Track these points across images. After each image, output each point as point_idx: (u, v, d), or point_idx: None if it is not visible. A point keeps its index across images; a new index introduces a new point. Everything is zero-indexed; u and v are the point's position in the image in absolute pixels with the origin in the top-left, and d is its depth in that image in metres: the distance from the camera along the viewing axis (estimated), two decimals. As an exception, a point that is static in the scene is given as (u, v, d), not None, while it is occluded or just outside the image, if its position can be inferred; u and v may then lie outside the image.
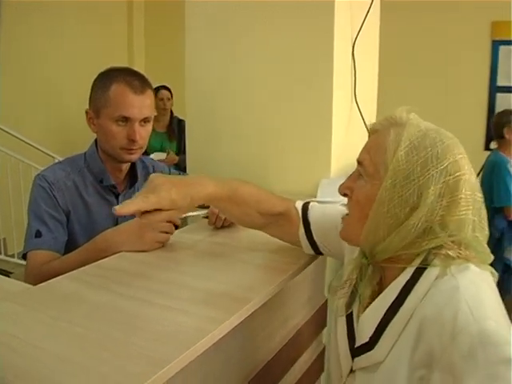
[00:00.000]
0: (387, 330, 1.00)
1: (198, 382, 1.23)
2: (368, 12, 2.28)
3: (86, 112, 1.79)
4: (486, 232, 1.05)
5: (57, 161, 4.18)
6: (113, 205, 1.83)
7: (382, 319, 1.02)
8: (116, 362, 0.90)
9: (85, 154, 1.85)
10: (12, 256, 4.67)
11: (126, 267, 1.37)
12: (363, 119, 2.33)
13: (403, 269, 1.02)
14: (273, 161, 2.30)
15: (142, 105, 1.71)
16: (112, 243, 1.50)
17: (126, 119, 1.70)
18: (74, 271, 1.34)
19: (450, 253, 0.99)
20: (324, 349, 2.18)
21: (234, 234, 1.71)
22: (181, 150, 4.81)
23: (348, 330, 1.13)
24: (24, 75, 5.08)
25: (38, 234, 1.66)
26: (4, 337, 0.98)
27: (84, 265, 1.39)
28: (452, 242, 1.00)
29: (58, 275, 1.31)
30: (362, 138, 2.30)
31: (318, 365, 2.15)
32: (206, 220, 1.77)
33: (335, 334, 1.20)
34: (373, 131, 1.11)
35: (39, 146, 4.69)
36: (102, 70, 1.78)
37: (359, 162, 1.11)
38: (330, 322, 1.18)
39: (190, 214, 1.74)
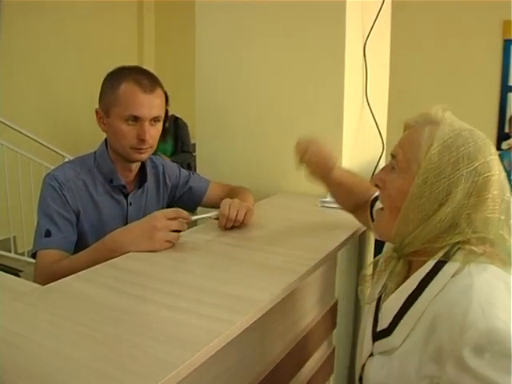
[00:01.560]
0: (404, 318, 1.05)
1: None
2: (379, 12, 2.28)
3: (96, 111, 1.78)
4: None
5: (67, 160, 4.18)
6: (122, 205, 1.84)
7: (400, 308, 1.06)
8: (123, 364, 0.90)
9: (95, 153, 1.85)
10: (22, 254, 4.67)
11: (136, 267, 1.36)
12: (374, 119, 2.33)
13: (426, 262, 1.05)
14: (284, 160, 2.29)
15: (151, 104, 1.70)
16: (121, 243, 1.49)
17: (135, 118, 1.69)
18: (83, 271, 1.33)
19: (473, 248, 1.01)
20: (334, 350, 2.18)
21: (245, 235, 1.70)
22: (177, 149, 4.71)
23: (374, 317, 1.19)
24: (34, 75, 5.10)
25: (48, 234, 1.65)
26: (11, 336, 0.98)
27: (93, 265, 1.38)
28: (476, 238, 1.02)
29: (68, 275, 1.31)
30: (374, 137, 2.32)
31: (329, 366, 2.15)
32: (215, 221, 1.76)
33: (365, 321, 1.25)
34: (407, 127, 1.14)
35: (49, 144, 4.69)
36: (112, 69, 1.78)
37: (393, 156, 1.14)
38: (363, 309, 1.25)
39: (200, 216, 1.73)
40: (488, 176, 1.02)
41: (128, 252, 1.46)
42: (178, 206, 2.04)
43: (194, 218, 1.67)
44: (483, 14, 4.66)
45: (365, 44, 2.27)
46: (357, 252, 2.41)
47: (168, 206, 2.03)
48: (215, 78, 2.45)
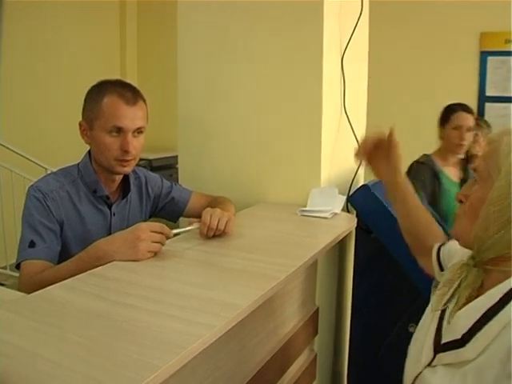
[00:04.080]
0: (482, 330, 1.02)
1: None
2: (356, 25, 2.33)
3: (80, 124, 1.81)
4: None
5: (49, 172, 4.17)
6: (106, 215, 1.86)
7: (479, 319, 1.03)
8: (109, 367, 0.93)
9: (78, 164, 1.87)
10: (4, 268, 4.64)
11: (119, 276, 1.39)
12: (352, 129, 2.37)
13: (506, 275, 1.05)
14: (264, 171, 2.34)
15: (134, 115, 1.74)
16: (105, 252, 1.52)
17: (119, 130, 1.73)
18: (68, 280, 1.36)
19: None
20: (316, 356, 2.21)
21: (225, 243, 1.73)
22: None
23: (437, 327, 1.17)
24: (11, 82, 4.99)
25: (32, 244, 1.67)
26: (2, 345, 1.00)
27: (77, 273, 1.41)
28: None
29: (52, 284, 1.33)
30: (352, 146, 2.36)
31: (311, 372, 2.18)
32: (197, 230, 1.79)
33: (425, 329, 1.23)
34: (489, 142, 1.16)
35: (29, 155, 4.63)
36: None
37: (475, 170, 1.16)
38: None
39: (182, 229, 1.76)
40: None
41: (112, 261, 1.49)
42: (160, 216, 2.09)
43: (176, 231, 1.70)
44: (461, 26, 4.75)
45: (342, 56, 2.32)
46: (337, 260, 2.45)
47: (151, 216, 2.06)
48: (196, 91, 2.49)
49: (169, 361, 0.92)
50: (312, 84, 2.20)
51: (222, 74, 2.41)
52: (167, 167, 5.45)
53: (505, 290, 1.02)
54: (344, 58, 2.33)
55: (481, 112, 4.83)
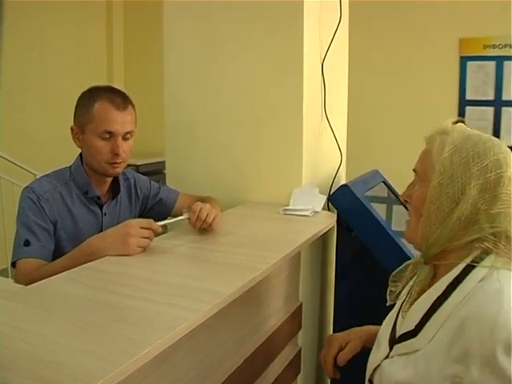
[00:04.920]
0: (431, 320, 1.10)
1: (172, 382, 1.35)
2: (336, 31, 2.43)
3: (71, 128, 1.90)
4: None
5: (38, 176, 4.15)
6: (97, 215, 1.95)
7: (428, 310, 1.12)
8: (103, 343, 1.03)
9: (70, 167, 1.96)
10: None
11: (112, 269, 1.49)
12: (333, 132, 2.47)
13: (450, 267, 1.13)
14: (248, 172, 2.43)
15: (124, 120, 1.84)
16: (98, 248, 1.61)
17: (109, 134, 1.82)
18: (63, 273, 1.45)
19: (489, 245, 1.09)
20: (300, 350, 2.30)
21: (211, 240, 1.83)
22: None
23: (394, 322, 1.26)
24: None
25: (27, 243, 1.75)
26: (6, 327, 1.09)
27: (71, 269, 1.50)
28: (493, 234, 1.09)
29: None
30: (333, 148, 2.46)
31: (296, 366, 2.27)
32: (184, 228, 1.88)
33: (386, 325, 1.32)
34: (426, 142, 1.24)
35: (15, 160, 4.59)
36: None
37: (414, 170, 1.25)
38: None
39: (173, 219, 1.86)
40: (500, 173, 1.09)
41: (104, 256, 1.58)
42: (149, 217, 2.16)
43: (164, 222, 1.79)
44: (440, 32, 4.85)
45: (323, 62, 2.41)
46: (320, 258, 2.54)
47: (140, 217, 2.14)
48: (182, 94, 2.57)
49: (159, 339, 1.02)
50: (293, 90, 2.30)
51: (207, 75, 2.50)
52: (154, 173, 5.44)
53: (448, 282, 1.11)
54: (324, 64, 2.42)
55: (461, 115, 4.93)
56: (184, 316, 1.13)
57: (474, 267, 1.09)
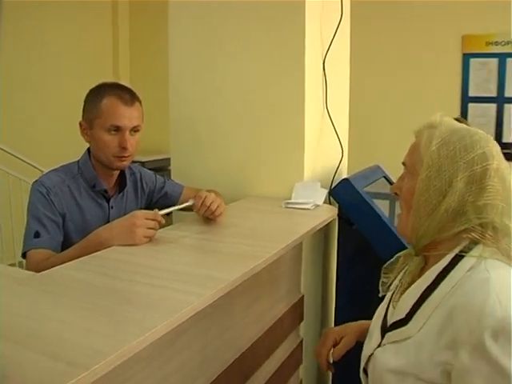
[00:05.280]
0: (421, 309, 1.14)
1: (176, 367, 1.41)
2: (336, 30, 2.48)
3: (80, 123, 1.96)
4: None
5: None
6: (104, 208, 2.01)
7: (418, 299, 1.16)
8: (110, 324, 1.09)
9: (78, 162, 2.02)
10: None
11: (119, 257, 1.55)
12: (334, 128, 2.52)
13: (439, 258, 1.16)
14: (251, 167, 2.49)
15: (131, 115, 1.90)
16: (105, 239, 1.67)
17: (117, 128, 1.88)
18: (72, 262, 1.51)
19: (476, 236, 1.12)
20: (302, 341, 2.35)
21: (215, 231, 1.89)
22: None
23: (385, 312, 1.31)
24: (7, 88, 4.92)
25: (37, 235, 1.82)
26: (20, 310, 1.16)
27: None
28: (480, 225, 1.12)
29: None
30: (334, 144, 2.51)
31: (297, 356, 2.32)
32: (189, 219, 1.95)
33: (378, 315, 1.37)
34: (415, 136, 1.27)
35: (22, 156, 4.59)
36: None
37: (403, 164, 1.28)
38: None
39: (179, 206, 1.92)
40: (486, 165, 1.11)
41: (111, 246, 1.64)
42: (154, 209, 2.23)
43: (170, 210, 1.85)
44: (443, 29, 4.88)
45: (324, 59, 2.46)
46: (322, 252, 2.60)
47: (145, 209, 2.20)
48: (187, 90, 2.63)
49: (164, 321, 1.08)
50: (296, 86, 2.35)
51: (211, 73, 2.55)
52: (159, 169, 5.44)
53: (438, 271, 1.15)
54: (326, 61, 2.47)
55: (464, 112, 4.97)
56: (189, 300, 1.19)
57: (462, 257, 1.13)
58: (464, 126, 1.21)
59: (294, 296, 2.27)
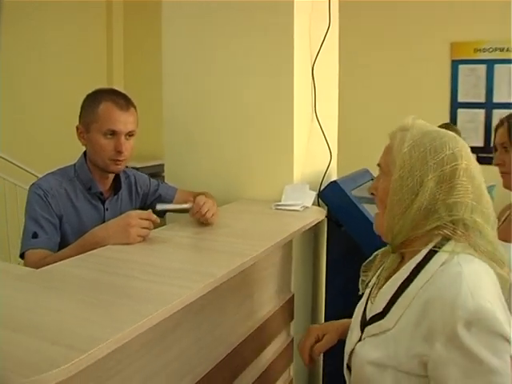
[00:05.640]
0: (397, 302, 1.19)
1: (164, 363, 1.47)
2: (325, 36, 2.55)
3: (77, 127, 2.02)
4: (491, 218, 1.22)
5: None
6: (100, 210, 2.07)
7: (394, 293, 1.21)
8: (107, 314, 1.17)
9: (74, 165, 2.09)
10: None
11: (115, 255, 1.62)
12: (323, 132, 2.59)
13: (413, 254, 1.21)
14: (242, 170, 2.56)
15: (126, 120, 1.97)
16: (101, 238, 1.73)
17: (113, 133, 1.95)
18: (69, 259, 1.58)
19: (448, 232, 1.17)
20: (293, 340, 2.40)
21: (208, 231, 1.96)
22: None
23: (364, 308, 1.35)
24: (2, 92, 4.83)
25: (35, 235, 1.88)
26: (18, 302, 1.23)
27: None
28: (452, 222, 1.17)
29: None
30: (323, 148, 2.58)
31: (288, 355, 2.36)
32: (183, 220, 2.02)
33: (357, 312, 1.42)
34: (389, 138, 1.33)
35: (16, 161, 4.52)
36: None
37: (378, 165, 1.34)
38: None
39: (178, 206, 2.01)
40: (455, 165, 1.16)
41: (106, 245, 1.70)
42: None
43: (167, 206, 1.96)
44: (432, 36, 4.95)
45: (313, 65, 2.54)
46: (311, 251, 2.67)
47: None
48: (180, 92, 2.69)
49: (158, 310, 1.16)
50: (285, 92, 2.42)
51: (204, 74, 2.61)
52: (154, 175, 5.47)
53: (413, 266, 1.21)
54: (315, 65, 2.54)
55: (453, 117, 5.04)
56: (181, 292, 1.27)
57: (436, 252, 1.18)
58: (434, 128, 1.27)
59: (285, 295, 2.33)
